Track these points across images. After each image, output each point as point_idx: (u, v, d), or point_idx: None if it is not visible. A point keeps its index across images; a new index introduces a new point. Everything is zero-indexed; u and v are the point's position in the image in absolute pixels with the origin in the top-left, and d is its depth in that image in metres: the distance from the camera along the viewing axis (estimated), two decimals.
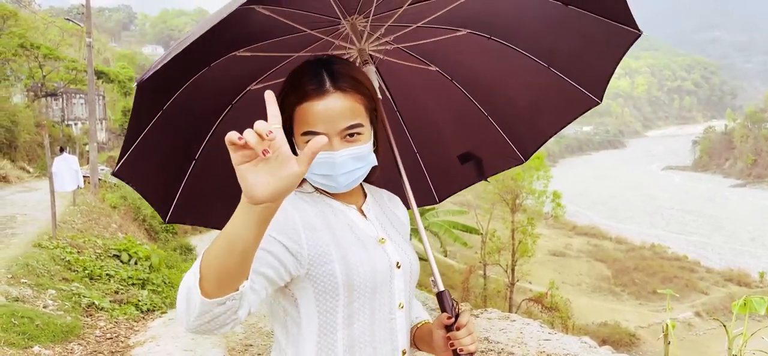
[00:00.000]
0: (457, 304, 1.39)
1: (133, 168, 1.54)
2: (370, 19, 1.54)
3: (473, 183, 2.06)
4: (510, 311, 18.70)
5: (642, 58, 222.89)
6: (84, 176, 17.81)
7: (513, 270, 23.44)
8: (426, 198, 2.05)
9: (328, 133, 1.23)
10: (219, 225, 2.03)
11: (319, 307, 1.24)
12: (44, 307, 6.07)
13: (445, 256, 28.73)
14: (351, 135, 1.25)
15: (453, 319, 1.35)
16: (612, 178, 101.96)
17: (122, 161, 1.50)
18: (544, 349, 5.07)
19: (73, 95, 35.30)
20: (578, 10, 1.64)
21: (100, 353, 5.35)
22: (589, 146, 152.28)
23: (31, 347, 5.05)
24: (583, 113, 1.88)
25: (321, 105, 1.23)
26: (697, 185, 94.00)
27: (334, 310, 1.25)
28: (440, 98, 1.92)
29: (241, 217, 0.96)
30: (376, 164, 1.34)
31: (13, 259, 7.25)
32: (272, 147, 0.92)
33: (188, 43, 1.14)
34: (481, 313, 6.44)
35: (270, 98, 0.97)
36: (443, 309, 1.38)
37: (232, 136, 0.90)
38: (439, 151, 1.88)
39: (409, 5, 1.55)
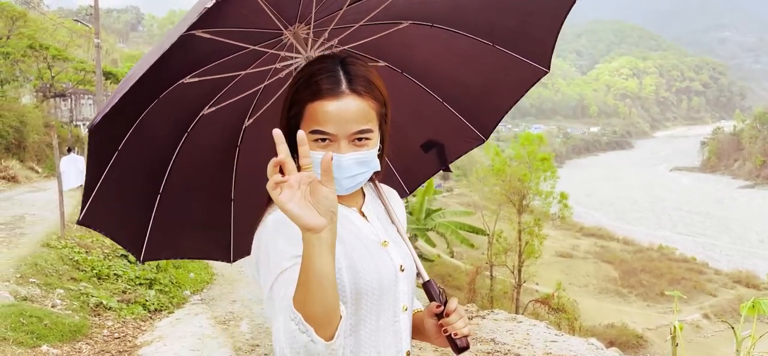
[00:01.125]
0: (444, 291, 1.39)
1: (97, 214, 1.54)
2: (311, 25, 1.53)
3: (439, 170, 2.10)
4: (517, 312, 18.65)
5: (650, 59, 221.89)
6: None
7: (520, 271, 23.37)
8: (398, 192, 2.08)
9: (337, 134, 1.22)
10: (192, 254, 2.02)
11: None
12: (52, 306, 6.11)
13: (452, 257, 28.69)
14: (359, 139, 1.24)
15: (442, 307, 1.35)
16: (619, 179, 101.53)
17: (85, 208, 1.50)
18: (551, 351, 5.05)
19: (81, 95, 35.48)
20: None
21: (107, 352, 5.38)
22: (597, 147, 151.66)
23: (40, 346, 5.08)
24: (534, 84, 1.93)
25: (335, 106, 1.21)
26: (706, 187, 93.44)
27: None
28: (394, 92, 1.93)
29: (313, 252, 1.01)
30: (379, 169, 1.33)
31: (22, 259, 7.30)
32: (303, 180, 1.00)
33: (133, 81, 1.15)
34: (488, 314, 6.43)
35: (279, 136, 1.01)
36: (431, 298, 1.38)
37: (276, 178, 0.98)
38: (402, 143, 1.87)
39: (348, 6, 1.55)
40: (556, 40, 1.82)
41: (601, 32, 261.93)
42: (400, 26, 1.73)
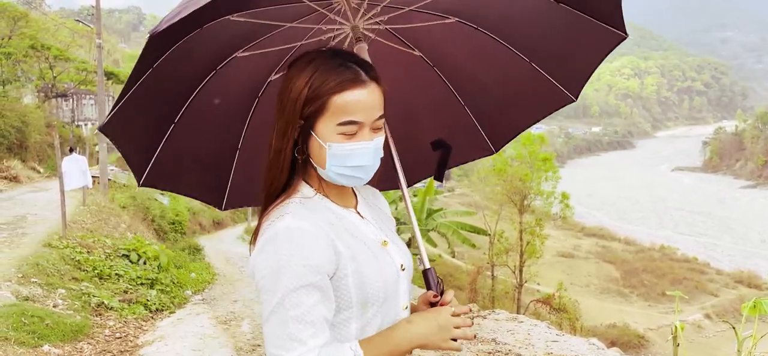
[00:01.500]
0: (442, 281, 1.39)
1: (118, 126, 1.54)
2: None
3: (436, 173, 2.08)
4: (518, 312, 18.64)
5: (652, 59, 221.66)
6: (93, 177, 17.96)
7: (521, 271, 23.35)
8: (393, 183, 2.06)
9: (365, 122, 1.23)
10: (189, 192, 1.96)
11: (334, 321, 1.22)
12: (54, 306, 6.12)
13: (453, 257, 28.69)
14: (378, 127, 1.27)
15: (438, 296, 1.36)
16: (621, 179, 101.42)
17: (110, 117, 1.49)
18: (552, 351, 5.05)
19: (83, 95, 35.55)
20: (568, 7, 1.64)
21: (109, 352, 5.39)
22: (598, 147, 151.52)
23: (41, 346, 5.09)
24: (557, 109, 1.93)
25: (363, 94, 1.22)
26: (707, 187, 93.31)
27: (347, 322, 1.24)
28: (420, 84, 1.93)
29: (407, 341, 1.24)
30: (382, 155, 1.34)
31: (24, 258, 7.31)
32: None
33: (203, 3, 1.11)
34: (489, 314, 6.43)
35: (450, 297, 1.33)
36: (428, 287, 1.39)
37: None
38: (413, 136, 1.87)
39: None
40: (591, 74, 1.82)
41: None
42: (446, 21, 1.73)
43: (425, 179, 2.11)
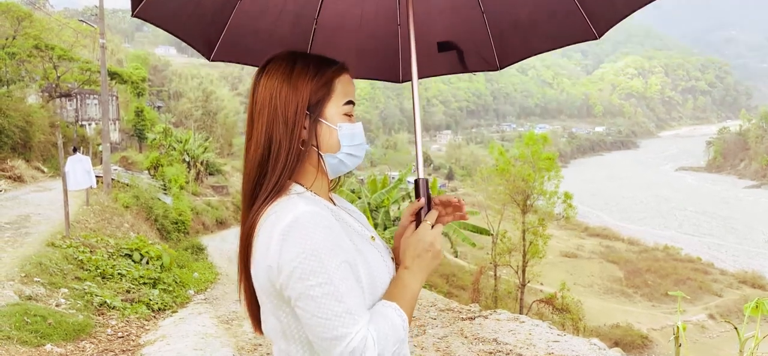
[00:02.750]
0: (431, 198, 1.43)
1: (159, 5, 1.51)
2: None
3: (440, 74, 2.03)
4: (521, 312, 18.61)
5: (656, 58, 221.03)
6: (97, 176, 18.00)
7: (524, 271, 23.31)
8: (390, 74, 2.02)
9: (355, 103, 1.30)
10: (179, 32, 1.88)
11: None
12: (57, 306, 6.13)
13: (456, 256, 28.65)
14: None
15: (425, 206, 1.40)
16: (624, 179, 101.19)
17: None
18: (553, 351, 5.05)
19: (87, 95, 35.63)
20: None
21: (111, 351, 5.40)
22: (602, 147, 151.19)
23: (44, 345, 5.11)
24: (577, 42, 1.85)
25: (349, 78, 1.31)
26: (711, 186, 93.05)
27: None
28: None
29: (418, 281, 1.28)
30: None
31: (27, 258, 7.34)
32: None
33: None
34: (490, 314, 6.42)
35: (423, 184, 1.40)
36: (418, 195, 1.42)
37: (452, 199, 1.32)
38: (423, 31, 1.82)
39: None
40: (624, 18, 1.75)
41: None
42: None
43: (422, 78, 2.02)
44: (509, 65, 1.98)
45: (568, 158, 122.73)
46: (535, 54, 1.96)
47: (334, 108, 1.27)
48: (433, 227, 1.35)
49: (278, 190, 1.21)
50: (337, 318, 1.08)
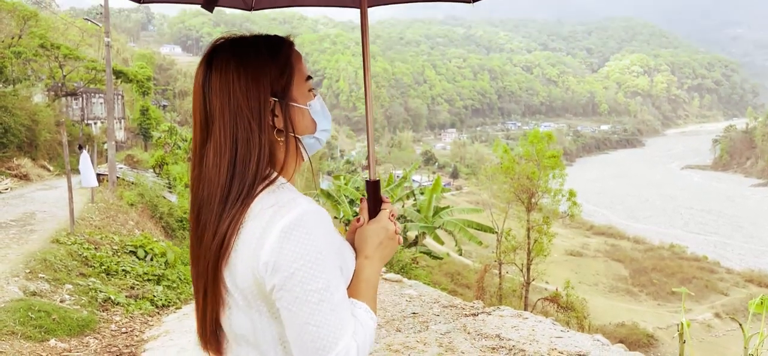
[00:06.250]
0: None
1: None
2: None
3: (393, 1, 1.98)
4: (525, 310, 18.56)
5: (662, 56, 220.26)
6: (102, 175, 18.06)
7: (528, 269, 23.27)
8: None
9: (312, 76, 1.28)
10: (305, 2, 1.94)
11: None
12: (61, 301, 6.16)
13: (460, 255, 28.66)
14: None
15: (388, 201, 1.40)
16: (630, 177, 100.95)
17: None
18: (556, 347, 5.04)
19: (92, 94, 35.77)
20: None
21: (114, 347, 5.43)
22: (607, 145, 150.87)
23: (48, 340, 5.13)
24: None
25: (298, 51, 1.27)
26: (717, 185, 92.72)
27: None
28: None
29: (378, 272, 1.27)
30: None
31: (31, 254, 7.37)
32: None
33: None
34: (494, 310, 6.42)
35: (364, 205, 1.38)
36: (376, 197, 1.40)
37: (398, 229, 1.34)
38: None
39: None
40: None
41: (611, 29, 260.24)
42: None
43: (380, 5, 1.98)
44: None
45: (574, 157, 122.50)
46: None
47: (298, 88, 1.22)
48: (390, 218, 1.34)
49: (261, 182, 1.13)
50: (329, 328, 1.05)
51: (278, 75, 1.18)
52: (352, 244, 1.31)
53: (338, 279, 1.09)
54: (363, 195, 1.41)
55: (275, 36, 1.24)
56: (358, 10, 1.64)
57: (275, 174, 1.16)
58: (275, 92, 1.17)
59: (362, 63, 1.57)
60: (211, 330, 1.19)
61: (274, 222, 1.06)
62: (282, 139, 1.19)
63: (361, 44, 1.60)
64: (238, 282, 1.10)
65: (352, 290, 1.19)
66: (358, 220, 1.35)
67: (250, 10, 1.88)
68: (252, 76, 1.16)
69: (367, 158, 1.56)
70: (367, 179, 1.46)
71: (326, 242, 1.07)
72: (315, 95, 1.26)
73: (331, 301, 1.06)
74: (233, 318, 1.14)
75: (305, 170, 1.36)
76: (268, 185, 1.13)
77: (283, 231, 1.04)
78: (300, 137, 1.22)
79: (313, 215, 1.07)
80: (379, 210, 1.36)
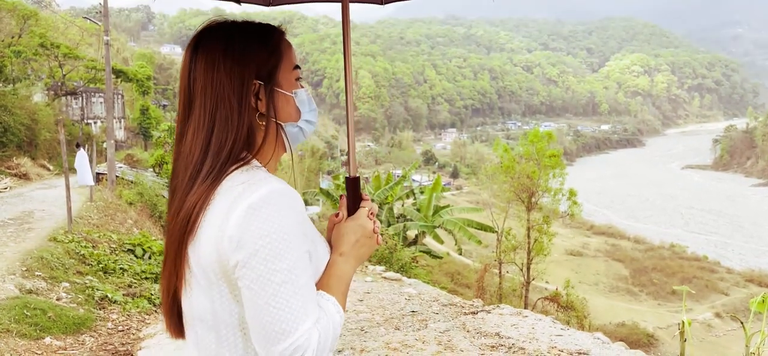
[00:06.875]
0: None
1: None
2: None
3: None
4: (525, 309, 18.51)
5: (662, 56, 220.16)
6: (101, 174, 18.05)
7: (528, 269, 23.25)
8: None
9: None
10: None
11: None
12: (58, 299, 6.12)
13: (460, 254, 28.63)
14: None
15: (367, 198, 1.35)
16: (630, 177, 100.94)
17: None
18: (556, 345, 5.00)
19: (92, 93, 35.76)
20: None
21: (110, 345, 5.39)
22: (607, 145, 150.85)
23: (43, 338, 5.10)
24: None
25: (289, 41, 1.24)
26: (718, 185, 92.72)
27: None
28: None
29: (353, 270, 1.23)
30: None
31: (28, 252, 7.34)
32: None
33: None
34: (493, 309, 6.38)
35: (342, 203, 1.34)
36: (356, 192, 1.36)
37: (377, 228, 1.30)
38: None
39: None
40: None
41: (611, 29, 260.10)
42: None
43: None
44: None
45: (574, 157, 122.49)
46: None
47: (285, 75, 1.19)
48: (369, 216, 1.30)
49: (235, 161, 1.11)
50: (290, 311, 1.01)
51: (266, 58, 1.16)
52: (329, 241, 1.28)
53: (305, 263, 1.06)
54: (342, 193, 1.37)
55: (263, 24, 1.23)
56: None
57: (250, 157, 1.14)
58: (260, 75, 1.15)
59: (343, 56, 1.55)
60: (170, 311, 1.18)
61: (243, 198, 1.03)
62: (263, 123, 1.16)
63: (343, 42, 1.58)
64: (202, 260, 1.06)
65: (323, 284, 1.16)
66: (337, 215, 1.32)
67: (268, 6, 1.87)
68: (238, 56, 1.14)
69: (347, 153, 1.52)
70: (347, 175, 1.42)
71: (295, 223, 1.04)
72: (302, 86, 1.24)
73: (295, 284, 1.02)
74: (193, 298, 1.11)
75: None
76: (242, 165, 1.11)
77: (251, 207, 1.01)
78: (282, 124, 1.19)
79: (283, 194, 1.05)
80: (358, 208, 1.32)
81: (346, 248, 1.24)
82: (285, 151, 1.24)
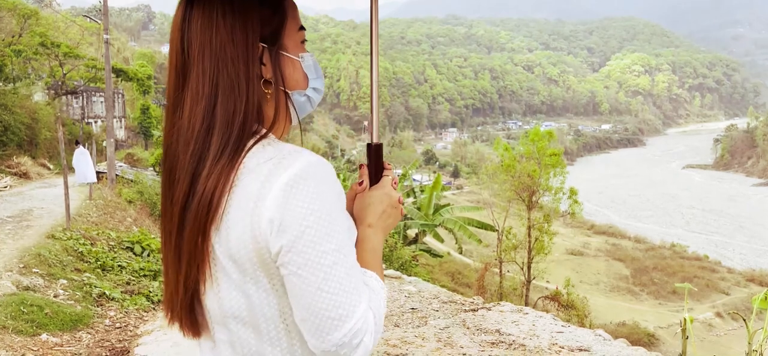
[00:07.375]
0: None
1: None
2: None
3: None
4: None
5: (663, 56, 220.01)
6: (101, 172, 18.02)
7: (529, 268, 23.22)
8: None
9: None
10: None
11: None
12: (55, 296, 6.09)
13: (461, 253, 28.59)
14: None
15: (389, 167, 1.24)
16: (631, 176, 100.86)
17: None
18: (557, 341, 4.96)
19: (92, 93, 35.78)
20: None
21: (107, 341, 5.35)
22: (608, 144, 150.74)
23: (40, 335, 5.06)
24: None
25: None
26: (718, 184, 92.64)
27: None
28: None
29: (382, 242, 1.14)
30: None
31: (26, 249, 7.31)
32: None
33: None
34: (494, 306, 6.33)
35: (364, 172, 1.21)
36: (379, 160, 1.23)
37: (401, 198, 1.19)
38: None
39: None
40: None
41: (612, 29, 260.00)
42: None
43: None
44: None
45: (575, 156, 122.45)
46: None
47: (291, 37, 1.05)
48: (393, 185, 1.19)
49: (250, 136, 0.97)
50: (345, 294, 0.92)
51: (269, 17, 1.02)
52: (351, 212, 1.14)
53: (351, 240, 0.99)
54: (362, 162, 1.24)
55: None
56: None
57: (264, 130, 1.00)
58: (264, 37, 1.01)
59: (370, 31, 1.40)
60: (187, 308, 1.04)
61: (276, 175, 0.91)
62: (270, 91, 1.02)
63: (370, 20, 1.43)
64: (233, 250, 0.93)
65: (360, 259, 1.05)
66: (360, 184, 1.18)
67: None
68: (239, 14, 0.99)
69: (370, 120, 1.42)
70: (369, 142, 1.28)
71: (336, 197, 0.95)
72: (307, 51, 1.11)
73: (346, 264, 0.93)
74: (223, 294, 0.98)
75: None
76: (260, 139, 0.98)
77: (289, 184, 0.90)
78: (290, 92, 1.06)
79: (320, 166, 0.93)
80: (381, 176, 1.20)
81: (373, 219, 1.12)
82: (291, 123, 1.10)
